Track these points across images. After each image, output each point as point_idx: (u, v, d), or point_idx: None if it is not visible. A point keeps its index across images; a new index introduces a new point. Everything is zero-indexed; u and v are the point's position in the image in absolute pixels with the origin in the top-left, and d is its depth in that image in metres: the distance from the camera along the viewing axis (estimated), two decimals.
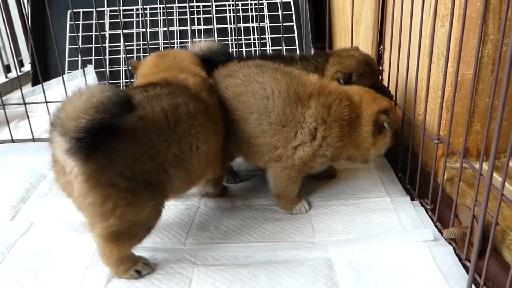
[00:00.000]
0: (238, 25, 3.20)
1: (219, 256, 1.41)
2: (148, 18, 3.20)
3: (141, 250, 1.44)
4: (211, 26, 2.63)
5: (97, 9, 2.64)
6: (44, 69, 3.27)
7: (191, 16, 2.29)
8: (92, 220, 1.24)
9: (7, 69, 3.52)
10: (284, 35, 2.63)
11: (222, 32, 3.19)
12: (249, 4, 3.26)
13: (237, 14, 3.20)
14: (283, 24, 3.09)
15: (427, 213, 1.61)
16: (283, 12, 3.19)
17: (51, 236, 1.52)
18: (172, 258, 1.40)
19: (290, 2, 3.25)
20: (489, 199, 1.16)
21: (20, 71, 3.56)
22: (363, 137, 1.63)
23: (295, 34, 3.21)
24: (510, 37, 1.04)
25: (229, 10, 3.20)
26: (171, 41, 3.04)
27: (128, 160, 1.19)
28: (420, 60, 1.65)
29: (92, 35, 3.21)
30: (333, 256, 1.39)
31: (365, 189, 1.79)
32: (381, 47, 2.33)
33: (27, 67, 3.66)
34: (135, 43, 3.20)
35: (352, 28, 2.40)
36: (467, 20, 1.40)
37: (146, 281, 1.31)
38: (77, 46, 3.03)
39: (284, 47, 2.53)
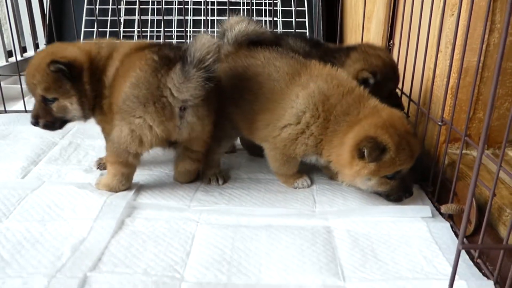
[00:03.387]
0: (252, 18, 3.25)
1: (222, 217, 1.45)
2: (163, 6, 3.27)
3: (145, 207, 1.49)
4: (224, 17, 2.69)
5: None
6: None
7: (205, 7, 2.36)
8: (204, 144, 1.61)
9: (24, 50, 3.61)
10: (295, 31, 2.69)
11: None
12: None
13: (251, 7, 3.26)
14: (296, 19, 3.16)
15: (427, 195, 1.65)
16: (296, 8, 3.26)
17: (61, 192, 1.56)
18: (177, 216, 1.44)
19: None
20: (486, 180, 1.19)
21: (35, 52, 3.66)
22: (343, 150, 1.49)
23: (307, 30, 3.27)
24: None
25: (243, 3, 3.26)
26: (186, 29, 3.10)
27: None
28: (428, 49, 1.69)
29: (107, 19, 3.28)
30: (332, 224, 1.43)
31: None
32: (391, 42, 2.38)
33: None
34: (148, 29, 3.27)
35: (363, 24, 2.45)
36: (475, 8, 1.45)
37: (150, 234, 1.35)
38: (92, 30, 3.11)
39: None
